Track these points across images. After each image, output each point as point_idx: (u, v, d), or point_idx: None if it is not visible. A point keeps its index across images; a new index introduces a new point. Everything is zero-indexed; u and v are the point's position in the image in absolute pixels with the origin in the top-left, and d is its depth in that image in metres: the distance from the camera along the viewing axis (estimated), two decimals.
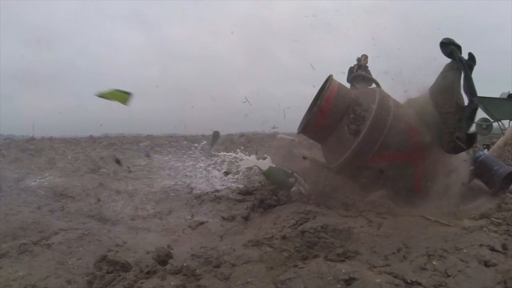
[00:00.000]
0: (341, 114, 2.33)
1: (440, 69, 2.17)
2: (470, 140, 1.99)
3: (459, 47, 2.02)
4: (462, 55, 2.02)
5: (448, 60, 2.11)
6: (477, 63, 2.02)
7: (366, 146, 2.21)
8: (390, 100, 2.37)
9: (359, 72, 5.68)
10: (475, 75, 2.03)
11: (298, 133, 2.52)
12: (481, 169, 2.34)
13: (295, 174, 2.64)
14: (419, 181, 2.27)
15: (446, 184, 2.27)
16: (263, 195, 2.45)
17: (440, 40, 2.08)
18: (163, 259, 1.43)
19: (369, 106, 2.28)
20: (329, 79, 2.41)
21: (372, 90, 2.47)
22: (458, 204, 2.26)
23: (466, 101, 2.03)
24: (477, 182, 2.56)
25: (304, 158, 2.54)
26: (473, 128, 2.06)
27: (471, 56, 1.99)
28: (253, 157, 2.94)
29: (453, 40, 2.04)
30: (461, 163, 2.30)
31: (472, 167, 2.45)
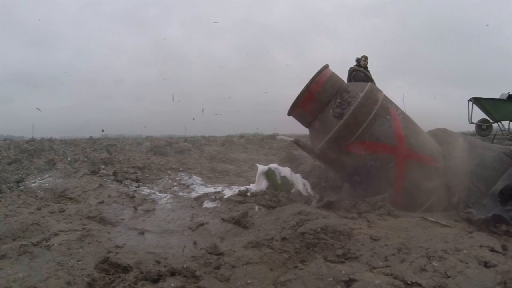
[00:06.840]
0: (329, 98, 2.37)
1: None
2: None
3: None
4: None
5: None
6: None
7: (348, 130, 2.23)
8: (381, 94, 2.39)
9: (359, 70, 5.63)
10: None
11: (288, 114, 2.53)
12: None
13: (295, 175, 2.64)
14: (400, 179, 2.24)
15: (429, 187, 2.23)
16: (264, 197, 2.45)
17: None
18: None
19: (357, 93, 2.32)
20: (324, 66, 2.46)
21: (365, 83, 2.50)
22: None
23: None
24: None
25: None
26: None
27: None
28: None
29: None
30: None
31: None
